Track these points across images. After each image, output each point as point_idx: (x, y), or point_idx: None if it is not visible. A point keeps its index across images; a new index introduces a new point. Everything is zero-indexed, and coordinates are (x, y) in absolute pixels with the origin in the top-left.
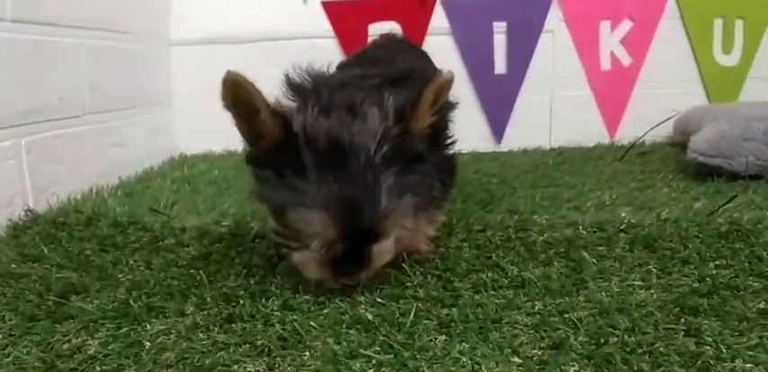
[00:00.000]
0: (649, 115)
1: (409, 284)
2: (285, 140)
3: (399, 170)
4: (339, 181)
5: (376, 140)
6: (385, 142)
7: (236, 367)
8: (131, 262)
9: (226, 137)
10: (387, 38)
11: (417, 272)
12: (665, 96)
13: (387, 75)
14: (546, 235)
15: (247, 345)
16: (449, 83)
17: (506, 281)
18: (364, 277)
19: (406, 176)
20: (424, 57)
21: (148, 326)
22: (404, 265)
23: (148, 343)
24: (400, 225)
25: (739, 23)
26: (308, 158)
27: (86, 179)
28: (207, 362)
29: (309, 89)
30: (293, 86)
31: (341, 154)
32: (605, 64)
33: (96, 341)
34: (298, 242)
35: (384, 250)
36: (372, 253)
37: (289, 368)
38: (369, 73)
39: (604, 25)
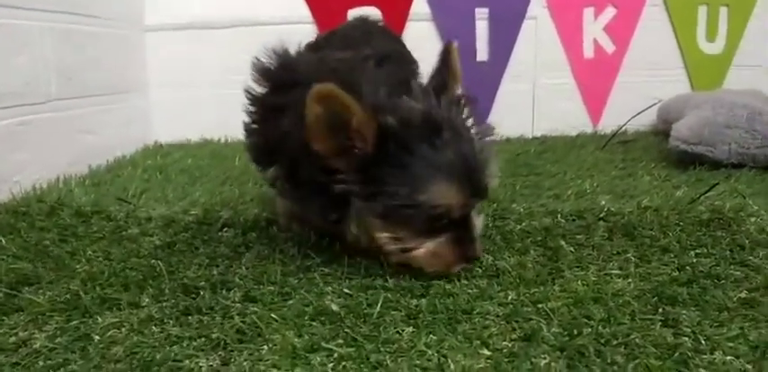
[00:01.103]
0: (633, 103)
1: (380, 274)
2: (381, 136)
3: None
4: (446, 150)
5: (458, 112)
6: (457, 108)
7: (187, 361)
8: (90, 253)
9: (202, 125)
10: (359, 20)
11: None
12: (648, 84)
13: (377, 56)
14: (524, 224)
15: (202, 339)
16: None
17: (480, 271)
18: (480, 248)
19: (477, 134)
20: (398, 41)
21: (100, 319)
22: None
23: (97, 337)
24: (494, 178)
25: (723, 11)
26: (412, 140)
27: (54, 167)
28: (157, 357)
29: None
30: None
31: (436, 127)
32: (588, 51)
33: (43, 335)
34: (421, 234)
35: (478, 216)
36: (473, 220)
37: (245, 363)
38: (360, 54)
39: (588, 12)
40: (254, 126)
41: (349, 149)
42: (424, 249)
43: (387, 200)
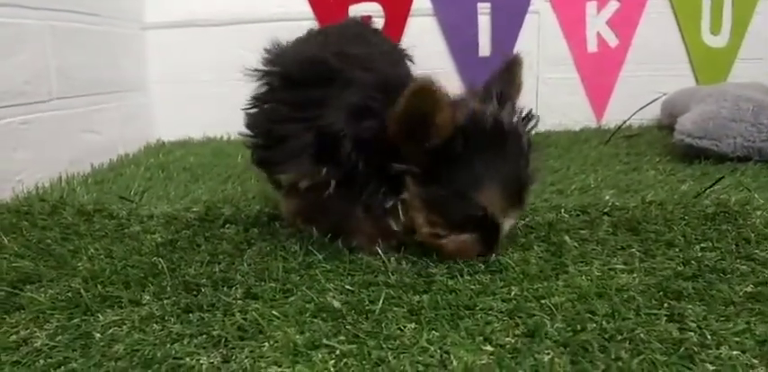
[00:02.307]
0: (637, 97)
1: (382, 270)
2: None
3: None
4: (506, 158)
5: (519, 119)
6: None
7: (188, 359)
8: (91, 251)
9: (204, 122)
10: (352, 21)
11: (392, 258)
12: (652, 78)
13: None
14: (527, 219)
15: (203, 336)
16: None
17: (483, 266)
18: (499, 248)
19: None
20: (392, 41)
21: (101, 317)
22: (379, 250)
23: (98, 335)
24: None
25: (728, 3)
26: (480, 142)
27: (56, 166)
28: (158, 354)
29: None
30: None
31: (503, 133)
32: (592, 45)
33: (44, 333)
34: (456, 227)
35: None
36: (504, 225)
37: (245, 360)
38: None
39: (591, 6)
40: (285, 126)
41: (423, 139)
42: (453, 240)
43: (439, 190)
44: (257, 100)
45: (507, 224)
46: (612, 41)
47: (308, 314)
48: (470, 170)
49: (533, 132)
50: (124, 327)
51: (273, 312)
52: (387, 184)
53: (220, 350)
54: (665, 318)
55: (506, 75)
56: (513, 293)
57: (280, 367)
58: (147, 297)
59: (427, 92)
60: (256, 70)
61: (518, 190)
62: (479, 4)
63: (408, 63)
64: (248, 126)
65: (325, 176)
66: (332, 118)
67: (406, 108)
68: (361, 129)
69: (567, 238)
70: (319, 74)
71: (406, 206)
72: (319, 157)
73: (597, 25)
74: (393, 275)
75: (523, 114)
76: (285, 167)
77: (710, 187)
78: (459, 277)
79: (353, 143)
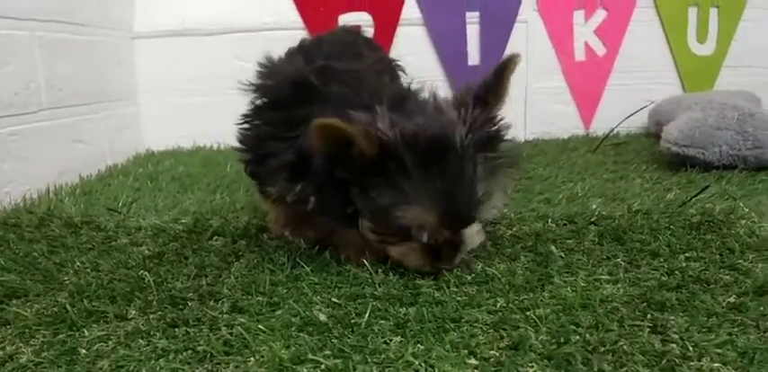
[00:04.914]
0: (624, 106)
1: (369, 282)
2: (381, 151)
3: (488, 154)
4: (439, 175)
5: (465, 130)
6: (472, 130)
7: None
8: (78, 264)
9: (193, 132)
10: (343, 30)
11: (379, 270)
12: (640, 86)
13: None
14: (515, 229)
15: (189, 351)
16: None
17: (470, 277)
18: (458, 259)
19: (494, 159)
20: (384, 51)
21: (86, 332)
22: (365, 262)
23: (84, 350)
24: (491, 209)
25: (714, 12)
26: (408, 159)
27: (44, 177)
28: (143, 370)
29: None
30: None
31: (437, 149)
32: (579, 54)
33: (30, 349)
34: (398, 236)
35: (475, 233)
36: (465, 237)
37: None
38: (362, 65)
39: (578, 15)
40: (269, 143)
41: (351, 160)
42: (396, 249)
43: (374, 206)
44: (246, 117)
45: (469, 233)
46: (600, 50)
47: (294, 329)
48: (398, 188)
49: (513, 141)
50: (110, 342)
51: (260, 326)
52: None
53: (206, 366)
54: (647, 330)
55: (492, 80)
56: (498, 305)
57: None
58: (134, 312)
59: (329, 128)
60: (250, 84)
61: (453, 208)
62: (468, 14)
63: (400, 73)
64: (240, 141)
65: (301, 192)
66: (306, 136)
67: (319, 145)
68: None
69: (553, 248)
70: (300, 93)
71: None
72: (295, 174)
73: (585, 34)
74: (380, 287)
75: (496, 122)
76: (268, 182)
77: (696, 196)
78: (445, 288)
79: (324, 159)
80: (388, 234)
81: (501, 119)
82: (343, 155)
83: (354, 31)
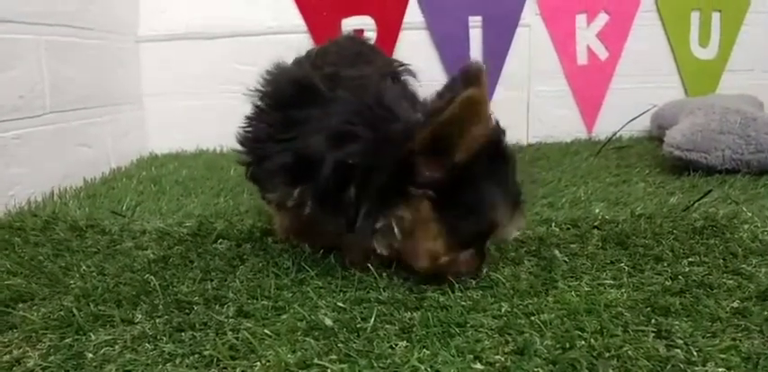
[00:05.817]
0: (627, 109)
1: (374, 286)
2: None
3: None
4: (504, 177)
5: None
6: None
7: None
8: (84, 268)
9: (197, 135)
10: (348, 38)
11: (384, 274)
12: (642, 90)
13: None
14: (518, 233)
15: (195, 356)
16: None
17: (474, 282)
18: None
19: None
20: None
21: (93, 336)
22: (370, 267)
23: (91, 355)
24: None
25: (716, 16)
26: (499, 165)
27: (49, 180)
28: None
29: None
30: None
31: (498, 153)
32: (582, 58)
33: (37, 353)
34: (454, 246)
35: None
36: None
37: None
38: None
39: (580, 19)
40: (266, 145)
41: (450, 153)
42: (461, 256)
43: (457, 208)
44: (249, 119)
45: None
46: (602, 54)
47: (299, 333)
48: (489, 188)
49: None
50: (116, 347)
51: (265, 330)
52: (376, 206)
53: (212, 371)
54: (652, 335)
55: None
56: (503, 309)
57: None
58: (140, 316)
59: (477, 103)
60: (253, 90)
61: (518, 206)
62: (471, 18)
63: (411, 79)
64: (240, 143)
65: (299, 197)
66: (310, 140)
67: (451, 117)
68: (345, 155)
69: (557, 252)
70: (303, 95)
71: (406, 226)
72: (294, 178)
73: (587, 38)
74: (385, 291)
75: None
76: (269, 188)
77: (699, 200)
78: (450, 293)
79: (334, 166)
80: (450, 243)
81: None
82: (442, 147)
83: (358, 39)
